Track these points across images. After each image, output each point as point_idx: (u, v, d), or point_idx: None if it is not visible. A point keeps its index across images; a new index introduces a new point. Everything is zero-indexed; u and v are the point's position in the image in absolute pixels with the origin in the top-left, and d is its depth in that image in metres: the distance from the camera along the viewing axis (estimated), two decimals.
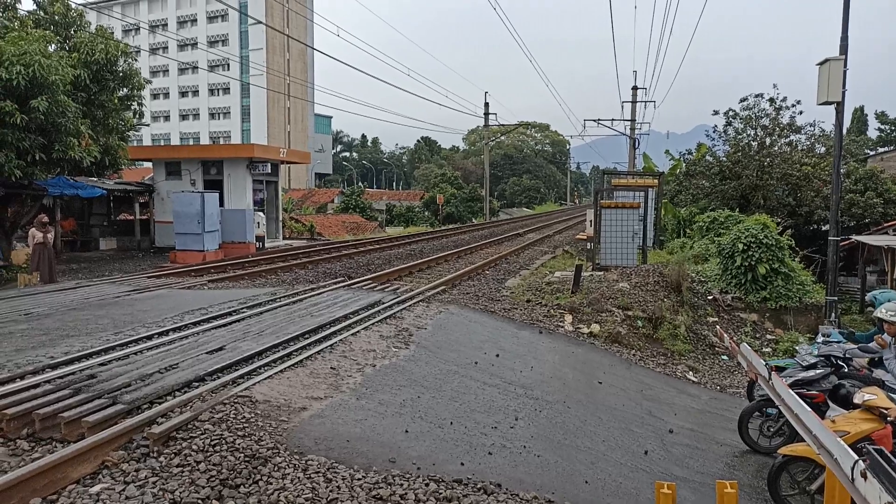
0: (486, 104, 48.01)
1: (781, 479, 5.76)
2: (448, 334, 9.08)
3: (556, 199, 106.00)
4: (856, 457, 3.28)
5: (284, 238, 28.27)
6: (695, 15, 23.19)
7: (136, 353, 6.90)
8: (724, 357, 11.84)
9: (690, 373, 10.62)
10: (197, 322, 8.63)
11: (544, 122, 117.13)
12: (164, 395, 5.55)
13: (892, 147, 40.50)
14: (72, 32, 19.43)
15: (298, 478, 4.36)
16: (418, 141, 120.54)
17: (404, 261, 18.85)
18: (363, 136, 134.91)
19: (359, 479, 4.44)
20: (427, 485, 4.49)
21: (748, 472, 6.61)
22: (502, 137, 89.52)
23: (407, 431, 5.42)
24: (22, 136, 15.23)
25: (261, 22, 67.44)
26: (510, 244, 25.52)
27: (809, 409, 4.69)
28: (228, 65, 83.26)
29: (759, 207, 22.67)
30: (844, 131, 14.78)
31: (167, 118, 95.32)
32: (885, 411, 5.47)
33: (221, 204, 21.93)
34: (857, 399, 5.81)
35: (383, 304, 10.44)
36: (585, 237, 21.75)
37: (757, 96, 24.98)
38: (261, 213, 23.65)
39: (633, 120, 37.25)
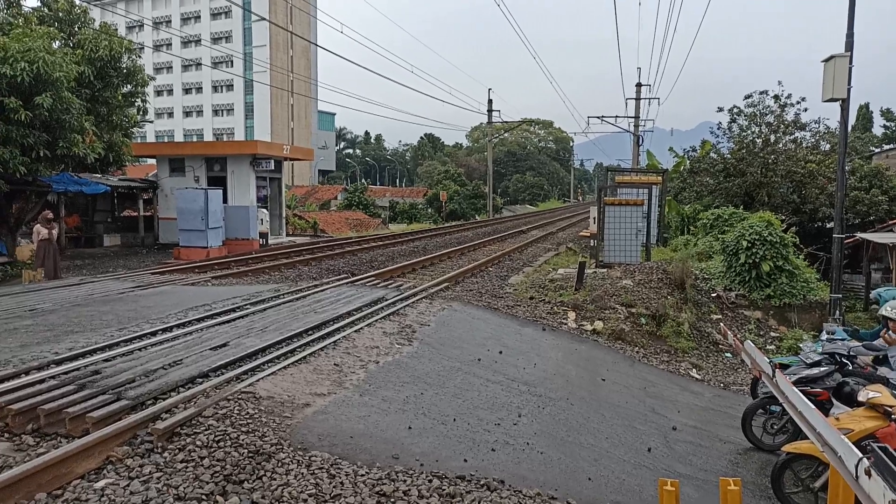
0: (490, 101, 47.94)
1: (785, 477, 5.76)
2: (451, 331, 9.08)
3: (560, 196, 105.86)
4: (860, 454, 3.27)
5: (288, 235, 28.30)
6: (698, 13, 23.11)
7: (140, 350, 6.92)
8: (728, 354, 11.82)
9: (694, 370, 10.61)
10: (201, 318, 8.65)
11: (548, 119, 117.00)
12: (169, 391, 5.57)
13: None
14: (76, 29, 19.46)
15: (302, 474, 4.37)
16: (422, 138, 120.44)
17: (407, 257, 18.85)
18: (366, 133, 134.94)
19: (362, 476, 4.45)
20: (430, 481, 4.49)
21: (752, 469, 6.60)
22: (506, 134, 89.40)
23: (410, 428, 5.43)
24: (26, 133, 15.26)
25: (264, 18, 67.45)
26: (513, 241, 25.51)
27: (813, 406, 4.67)
28: (232, 61, 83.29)
29: (764, 205, 22.60)
30: (850, 128, 14.73)
31: (171, 115, 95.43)
32: (890, 409, 5.46)
33: (225, 200, 21.95)
34: (861, 397, 5.80)
35: (386, 300, 10.45)
36: (589, 234, 21.72)
37: (762, 93, 24.89)
38: (264, 210, 23.67)
39: (636, 117, 37.14)
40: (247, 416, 5.07)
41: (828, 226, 22.65)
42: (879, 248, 16.58)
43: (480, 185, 59.21)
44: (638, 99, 37.07)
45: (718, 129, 26.31)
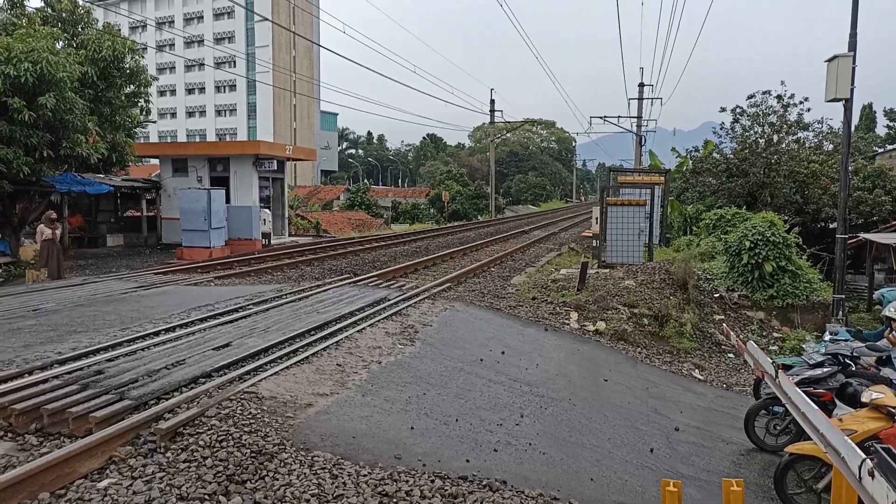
0: (492, 101, 47.93)
1: (788, 478, 5.75)
2: (453, 331, 9.08)
3: (562, 196, 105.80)
4: (863, 455, 3.27)
5: (290, 235, 28.33)
6: (700, 14, 23.08)
7: (143, 349, 6.93)
8: (731, 355, 11.81)
9: (696, 371, 10.59)
10: (203, 318, 8.67)
11: (550, 119, 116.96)
12: (171, 391, 5.58)
13: None
14: (79, 29, 19.52)
15: (304, 474, 4.38)
16: (424, 138, 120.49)
17: (410, 258, 18.86)
18: (369, 133, 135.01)
19: (364, 476, 4.45)
20: (432, 481, 4.49)
21: (754, 470, 6.59)
22: (508, 134, 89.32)
23: (412, 428, 5.43)
24: (30, 133, 15.30)
25: (267, 19, 67.50)
26: (516, 241, 25.50)
27: (816, 407, 4.67)
28: (235, 62, 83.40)
29: (767, 205, 22.56)
30: (853, 128, 14.69)
31: (174, 115, 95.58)
32: (894, 410, 5.44)
33: (228, 201, 21.99)
34: (864, 398, 5.79)
35: (389, 300, 10.46)
36: (591, 234, 21.70)
37: (765, 93, 24.87)
38: (267, 210, 23.71)
39: (639, 117, 37.10)
40: (249, 416, 5.08)
41: (831, 226, 22.62)
42: (883, 249, 16.55)
43: (483, 185, 59.20)
44: (640, 99, 37.03)
45: (721, 129, 26.29)
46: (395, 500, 4.21)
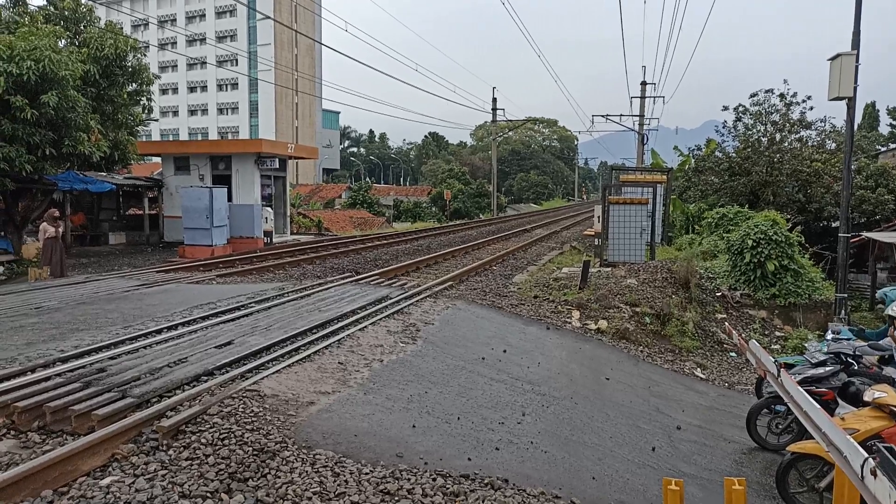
0: (494, 99, 47.93)
1: (790, 477, 5.74)
2: (455, 330, 9.08)
3: (564, 194, 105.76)
4: (866, 454, 3.26)
5: (292, 233, 28.35)
6: (702, 13, 23.04)
7: (145, 347, 6.94)
8: (733, 354, 11.80)
9: (698, 369, 10.59)
10: (205, 316, 8.67)
11: (552, 118, 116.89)
12: (174, 389, 5.58)
13: None
14: (81, 28, 19.55)
15: (306, 472, 4.38)
16: (426, 136, 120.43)
17: (412, 256, 18.86)
18: (371, 132, 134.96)
19: (366, 474, 4.45)
20: (434, 479, 4.49)
21: (756, 469, 6.59)
22: (510, 133, 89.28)
23: (414, 426, 5.43)
24: (32, 131, 15.33)
25: (269, 17, 67.51)
26: (517, 240, 25.50)
27: (819, 406, 4.66)
28: (237, 60, 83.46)
29: (769, 204, 22.54)
30: (856, 127, 14.66)
31: (176, 113, 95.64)
32: None
33: (230, 199, 22.01)
34: (867, 396, 5.78)
35: (391, 299, 10.46)
36: (593, 233, 21.69)
37: (767, 92, 24.81)
38: (269, 209, 23.72)
39: (641, 115, 37.05)
40: (251, 415, 5.09)
41: (833, 225, 22.59)
42: (885, 248, 16.52)
43: (484, 183, 59.20)
44: (643, 97, 36.98)
45: (724, 127, 26.25)
46: (396, 498, 4.21)
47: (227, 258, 17.46)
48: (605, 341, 10.50)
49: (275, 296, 10.52)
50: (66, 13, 19.30)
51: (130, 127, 20.88)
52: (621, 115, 38.54)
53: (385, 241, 23.13)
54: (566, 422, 6.47)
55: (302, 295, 10.63)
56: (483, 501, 4.32)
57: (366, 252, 20.07)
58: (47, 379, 5.67)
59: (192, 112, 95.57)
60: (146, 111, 22.28)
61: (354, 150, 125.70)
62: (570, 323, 10.98)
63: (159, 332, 7.72)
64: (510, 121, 55.40)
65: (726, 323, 12.22)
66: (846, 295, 13.18)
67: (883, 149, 35.29)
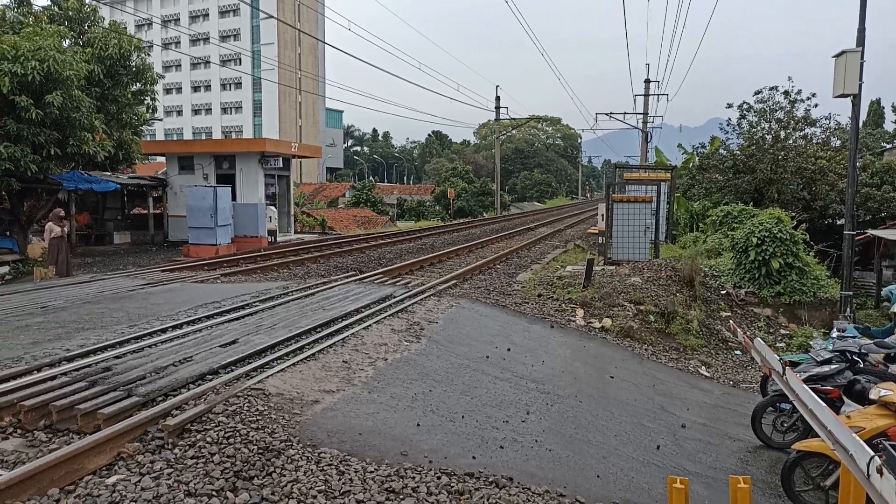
0: (498, 98, 47.89)
1: (795, 475, 5.73)
2: (459, 328, 9.08)
3: (568, 193, 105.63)
4: (872, 453, 3.25)
5: (296, 232, 28.39)
6: (705, 11, 22.99)
7: (150, 346, 6.96)
8: (738, 352, 11.77)
9: (703, 368, 10.57)
10: (210, 315, 8.69)
11: (556, 116, 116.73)
12: (179, 388, 5.60)
13: None
14: (85, 28, 19.60)
15: (311, 470, 4.39)
16: (429, 135, 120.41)
17: (415, 255, 18.87)
18: (374, 131, 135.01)
19: (371, 472, 4.46)
20: (439, 478, 4.50)
21: (761, 467, 6.57)
22: (513, 131, 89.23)
23: (419, 425, 5.44)
24: (37, 131, 15.38)
25: (272, 16, 67.57)
26: (521, 238, 25.48)
27: (824, 404, 4.65)
28: (240, 59, 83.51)
29: (774, 201, 22.47)
30: (861, 124, 14.60)
31: (180, 113, 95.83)
32: None
33: (234, 198, 22.04)
34: (872, 394, 5.77)
35: (395, 298, 10.46)
36: (597, 231, 21.67)
37: (771, 89, 24.73)
38: (273, 208, 23.75)
39: (645, 113, 36.98)
40: (256, 413, 5.10)
41: (838, 222, 22.50)
42: (891, 245, 16.46)
43: (488, 182, 59.19)
44: (647, 95, 36.90)
45: (728, 125, 26.17)
46: (401, 496, 4.22)
47: (232, 257, 17.50)
48: (609, 339, 10.49)
49: (279, 295, 10.54)
50: (71, 13, 19.35)
51: (135, 126, 20.94)
52: (625, 113, 38.51)
53: (389, 240, 23.14)
54: (570, 420, 6.47)
55: (306, 294, 10.64)
56: (488, 500, 4.32)
57: (369, 251, 20.08)
58: (53, 378, 5.70)
59: (195, 111, 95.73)
60: (150, 111, 22.33)
61: (358, 148, 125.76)
62: (574, 321, 10.97)
63: (164, 331, 7.74)
64: (513, 119, 55.39)
65: (731, 321, 12.20)
66: (851, 293, 13.13)
67: (888, 146, 35.17)
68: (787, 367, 5.72)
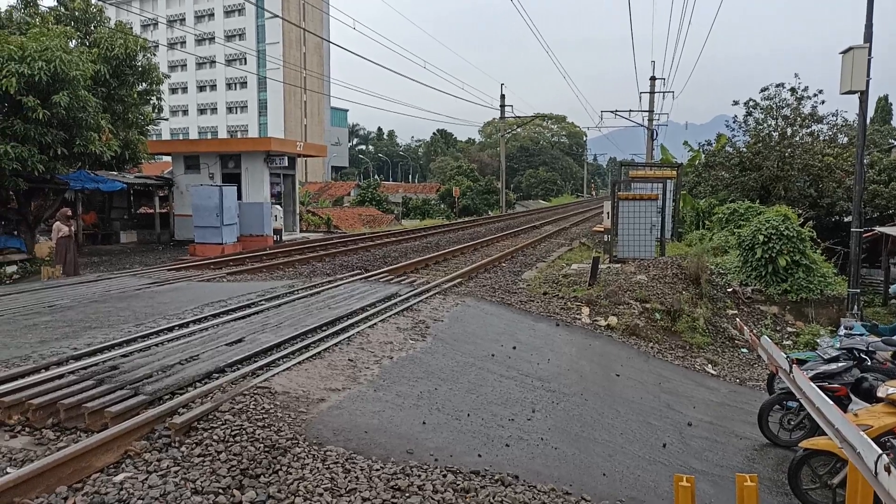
0: (503, 96, 47.81)
1: (802, 473, 5.71)
2: (465, 326, 9.09)
3: (573, 191, 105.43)
4: (879, 451, 3.24)
5: (301, 231, 28.44)
6: (710, 9, 22.89)
7: (157, 345, 6.99)
8: (744, 350, 11.73)
9: (709, 366, 10.54)
10: (216, 314, 8.72)
11: (560, 114, 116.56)
12: (185, 386, 5.62)
13: None
14: (92, 28, 19.67)
15: (317, 468, 4.40)
16: (434, 133, 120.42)
17: (421, 253, 18.88)
18: (379, 129, 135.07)
19: (377, 470, 4.47)
20: (444, 476, 4.50)
21: (768, 465, 6.55)
22: (518, 129, 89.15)
23: (424, 423, 5.44)
24: (44, 131, 15.45)
25: (277, 16, 67.65)
26: (526, 236, 25.46)
27: (831, 402, 4.63)
28: (245, 59, 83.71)
29: (780, 199, 22.35)
30: (868, 121, 14.52)
31: (185, 112, 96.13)
32: None
33: (239, 197, 22.10)
34: (880, 392, 5.74)
35: (400, 296, 10.47)
36: (602, 229, 21.60)
37: (778, 86, 24.59)
38: (278, 207, 23.80)
39: (650, 111, 36.86)
40: (262, 411, 5.11)
41: (845, 220, 22.37)
42: None
43: (493, 180, 59.11)
44: (652, 93, 36.77)
45: (734, 122, 26.04)
46: (407, 494, 4.22)
47: (238, 256, 17.55)
48: (615, 338, 10.47)
49: (285, 293, 10.56)
50: (77, 14, 19.42)
51: (141, 126, 21.00)
52: (630, 110, 38.36)
53: (394, 239, 23.16)
54: (576, 418, 6.46)
55: (312, 292, 10.66)
56: (493, 498, 4.32)
57: (375, 249, 20.10)
58: (61, 376, 5.73)
59: (201, 111, 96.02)
60: (156, 110, 22.41)
61: (363, 147, 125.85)
62: (579, 319, 10.96)
63: (171, 329, 7.78)
64: (518, 117, 55.30)
65: (737, 319, 12.15)
66: (859, 290, 13.07)
67: None
68: (793, 365, 5.70)
